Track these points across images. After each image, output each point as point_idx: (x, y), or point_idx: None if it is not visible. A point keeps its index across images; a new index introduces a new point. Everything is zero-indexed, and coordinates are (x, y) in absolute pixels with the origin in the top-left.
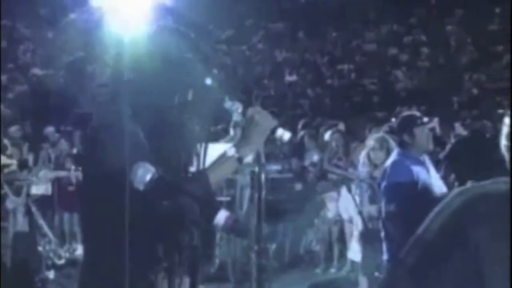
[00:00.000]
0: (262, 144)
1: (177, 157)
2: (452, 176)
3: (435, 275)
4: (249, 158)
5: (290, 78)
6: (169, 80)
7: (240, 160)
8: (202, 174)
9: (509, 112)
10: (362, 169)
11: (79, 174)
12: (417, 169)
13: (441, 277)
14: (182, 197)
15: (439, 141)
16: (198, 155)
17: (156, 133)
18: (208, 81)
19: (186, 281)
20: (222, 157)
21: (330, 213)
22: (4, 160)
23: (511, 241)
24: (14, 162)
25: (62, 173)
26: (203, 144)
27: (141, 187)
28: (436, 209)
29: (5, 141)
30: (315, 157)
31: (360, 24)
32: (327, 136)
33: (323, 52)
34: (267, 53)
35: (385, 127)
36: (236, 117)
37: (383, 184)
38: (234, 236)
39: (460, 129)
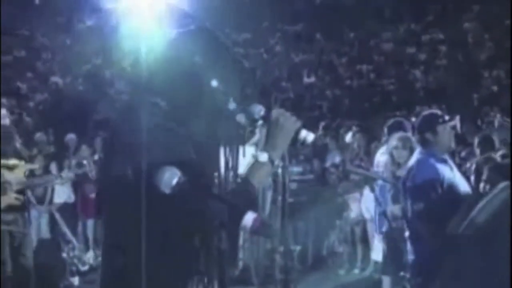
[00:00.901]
0: (287, 146)
1: (213, 159)
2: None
3: (481, 267)
4: (277, 159)
5: (308, 79)
6: (190, 83)
7: (272, 163)
8: (246, 181)
9: None
10: (385, 168)
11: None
12: (442, 168)
13: (487, 268)
14: (209, 200)
15: (461, 139)
16: (230, 158)
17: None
18: (214, 83)
19: (215, 284)
20: (257, 163)
21: (353, 214)
22: (28, 165)
23: (511, 242)
24: (36, 166)
25: (80, 171)
26: (234, 147)
27: (167, 190)
28: (479, 205)
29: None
30: (337, 158)
31: (377, 23)
32: (348, 137)
33: (340, 52)
34: (284, 55)
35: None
36: (260, 120)
37: (409, 183)
38: (260, 237)
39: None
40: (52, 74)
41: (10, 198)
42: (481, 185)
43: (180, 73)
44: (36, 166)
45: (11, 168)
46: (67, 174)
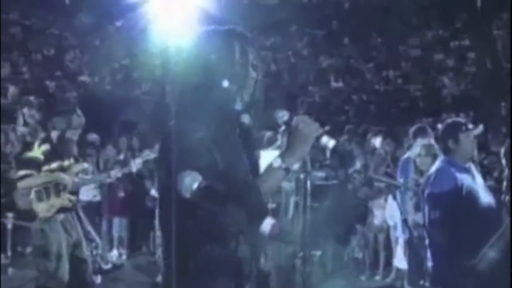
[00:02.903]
0: (306, 152)
1: (240, 164)
2: None
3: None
4: (295, 166)
5: (335, 84)
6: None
7: (287, 170)
8: (253, 185)
9: None
10: (408, 176)
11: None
12: (461, 176)
13: None
14: (229, 205)
15: (486, 148)
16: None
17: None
18: (225, 83)
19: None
20: (270, 168)
21: (377, 220)
22: (80, 165)
23: (511, 243)
24: (87, 166)
25: (127, 170)
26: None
27: (188, 195)
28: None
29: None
30: (358, 164)
31: (405, 29)
32: (377, 142)
33: (368, 58)
34: (311, 59)
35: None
36: (283, 125)
37: (427, 191)
38: (279, 243)
39: None
40: (80, 73)
41: (64, 199)
42: (502, 196)
43: (197, 69)
44: (87, 166)
45: (65, 169)
46: (115, 173)
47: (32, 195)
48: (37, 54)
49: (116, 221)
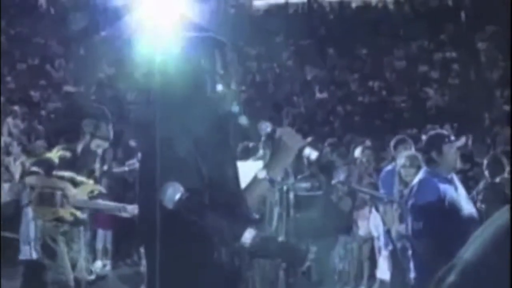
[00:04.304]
0: (289, 164)
1: (227, 173)
2: None
3: None
4: (279, 177)
5: (320, 95)
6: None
7: (271, 181)
8: (240, 195)
9: None
10: (392, 187)
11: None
12: (444, 187)
13: None
14: (211, 216)
15: (469, 159)
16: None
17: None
18: (219, 87)
19: None
20: (255, 179)
21: (361, 231)
22: (96, 186)
23: (511, 246)
24: (102, 189)
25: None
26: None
27: (170, 205)
28: (478, 230)
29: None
30: (342, 176)
31: (390, 41)
32: (357, 152)
33: (353, 69)
34: (297, 70)
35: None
36: (265, 136)
37: (410, 202)
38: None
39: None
40: (65, 83)
41: (66, 212)
42: (478, 204)
43: (182, 78)
44: (103, 189)
45: (77, 183)
46: (132, 209)
47: (34, 195)
48: (22, 63)
49: (100, 232)
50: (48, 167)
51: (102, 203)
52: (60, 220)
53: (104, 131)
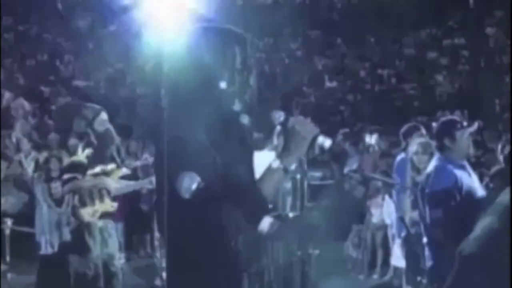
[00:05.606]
0: (303, 152)
1: (239, 164)
2: None
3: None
4: (292, 166)
5: (330, 84)
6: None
7: (285, 170)
8: (253, 185)
9: None
10: (405, 175)
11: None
12: (460, 174)
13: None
14: (227, 205)
15: (481, 145)
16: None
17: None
18: (223, 84)
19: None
20: (269, 169)
21: (374, 219)
22: (122, 170)
23: (511, 241)
24: (126, 171)
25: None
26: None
27: (187, 195)
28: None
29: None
30: (355, 164)
31: (399, 28)
32: (373, 139)
33: (362, 57)
34: (306, 60)
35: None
36: (279, 125)
37: (427, 190)
38: (277, 242)
39: None
40: (74, 78)
41: (107, 204)
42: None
43: (192, 71)
44: (128, 171)
45: (108, 173)
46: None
47: (76, 199)
48: (31, 59)
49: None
50: (82, 169)
51: (133, 183)
52: (103, 214)
53: (103, 119)
